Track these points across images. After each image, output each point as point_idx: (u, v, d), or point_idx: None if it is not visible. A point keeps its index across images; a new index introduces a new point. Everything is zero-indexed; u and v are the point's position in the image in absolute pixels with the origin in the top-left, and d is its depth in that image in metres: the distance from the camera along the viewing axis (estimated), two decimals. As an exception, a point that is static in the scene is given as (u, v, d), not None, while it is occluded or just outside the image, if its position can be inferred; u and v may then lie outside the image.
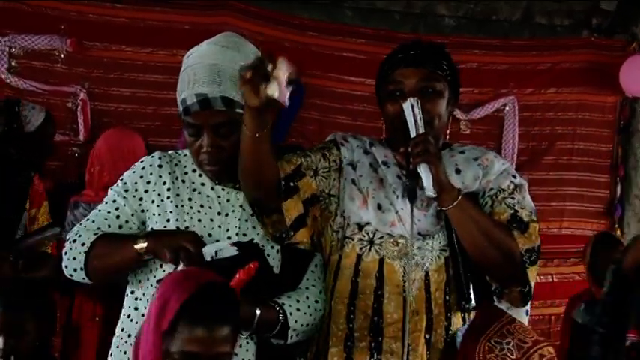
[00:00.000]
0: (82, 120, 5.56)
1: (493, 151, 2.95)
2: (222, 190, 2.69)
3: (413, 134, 2.64)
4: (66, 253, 2.59)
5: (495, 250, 2.67)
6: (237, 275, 2.45)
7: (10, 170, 3.42)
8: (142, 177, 2.66)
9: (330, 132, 5.92)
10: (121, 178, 2.69)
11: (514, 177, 2.83)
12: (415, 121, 2.64)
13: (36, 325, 3.16)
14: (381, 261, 2.70)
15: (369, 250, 2.72)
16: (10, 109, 4.61)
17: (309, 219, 2.71)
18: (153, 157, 2.71)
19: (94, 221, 2.63)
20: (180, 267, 2.45)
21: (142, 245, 2.50)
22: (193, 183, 2.68)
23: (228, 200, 2.67)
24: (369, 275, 2.71)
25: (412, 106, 2.65)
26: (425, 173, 2.60)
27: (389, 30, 6.24)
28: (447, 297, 2.72)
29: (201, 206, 2.63)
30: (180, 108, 2.62)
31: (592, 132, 6.58)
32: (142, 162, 2.70)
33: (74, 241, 2.57)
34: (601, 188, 6.62)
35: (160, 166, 2.68)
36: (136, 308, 2.60)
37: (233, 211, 2.67)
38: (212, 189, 2.69)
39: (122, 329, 2.61)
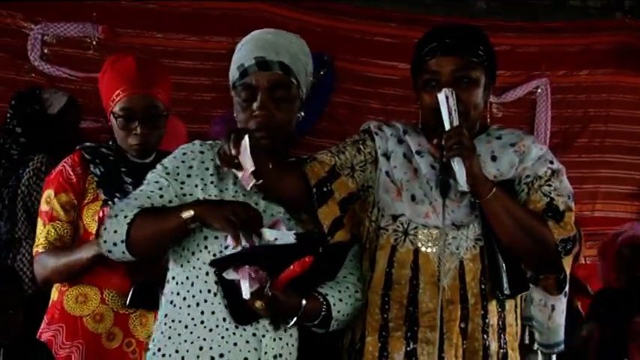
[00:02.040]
0: (113, 106, 5.59)
1: (531, 135, 2.91)
2: None
3: (447, 127, 2.61)
4: (105, 228, 2.54)
5: (529, 240, 2.66)
6: (292, 267, 2.44)
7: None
8: (183, 162, 2.63)
9: (362, 116, 6.06)
10: (160, 162, 2.67)
11: (551, 162, 2.80)
12: (450, 113, 2.61)
13: (21, 310, 3.19)
14: (416, 251, 2.70)
15: (404, 240, 2.71)
16: (31, 94, 4.66)
17: (346, 218, 2.72)
18: (194, 144, 2.68)
19: (136, 199, 2.59)
20: (230, 243, 2.45)
21: (189, 213, 2.45)
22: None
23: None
24: (403, 266, 2.70)
25: (447, 98, 2.62)
26: (458, 167, 2.59)
27: (420, 13, 6.22)
28: (483, 286, 2.71)
29: (244, 195, 2.61)
30: (236, 75, 2.63)
31: (625, 113, 6.54)
32: (182, 148, 2.68)
33: (115, 216, 2.52)
34: (634, 170, 6.58)
35: (201, 152, 2.66)
36: (178, 293, 2.58)
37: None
38: None
39: (165, 315, 2.60)
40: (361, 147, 2.78)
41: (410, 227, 2.71)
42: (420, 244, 2.70)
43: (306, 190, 2.67)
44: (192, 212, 2.46)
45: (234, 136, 2.45)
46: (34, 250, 3.23)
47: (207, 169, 2.63)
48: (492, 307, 2.72)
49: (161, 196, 2.59)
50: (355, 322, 2.74)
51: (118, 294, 3.15)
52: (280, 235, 2.47)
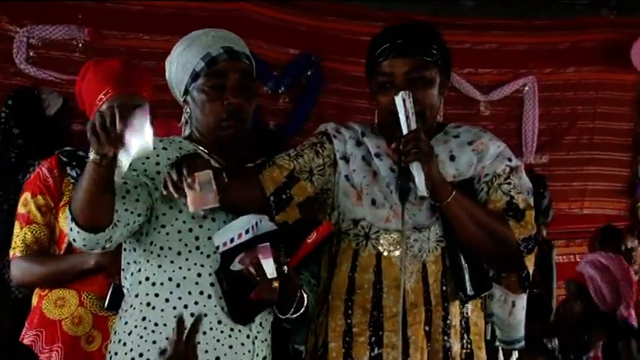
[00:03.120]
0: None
1: (488, 133, 2.85)
2: None
3: (405, 131, 2.57)
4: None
5: (491, 241, 2.65)
6: (305, 246, 2.49)
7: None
8: (148, 158, 2.58)
9: (350, 116, 6.04)
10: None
11: (509, 160, 2.77)
12: (407, 117, 2.57)
13: (8, 314, 3.17)
14: (378, 255, 2.67)
15: (365, 245, 2.68)
16: (29, 94, 4.62)
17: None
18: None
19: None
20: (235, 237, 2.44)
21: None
22: None
23: None
24: (366, 270, 2.68)
25: (404, 101, 2.58)
26: (417, 171, 2.55)
27: (408, 12, 6.21)
28: (444, 287, 2.69)
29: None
30: (201, 65, 2.58)
31: (612, 110, 6.56)
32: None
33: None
34: (622, 167, 6.60)
35: (164, 149, 2.63)
36: (157, 295, 2.52)
37: None
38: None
39: (143, 318, 2.51)
40: (319, 150, 2.74)
41: (371, 231, 2.68)
42: (381, 249, 2.67)
43: (265, 198, 2.64)
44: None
45: (187, 165, 2.37)
46: (11, 252, 3.23)
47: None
48: (455, 308, 2.70)
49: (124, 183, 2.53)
50: (317, 327, 2.72)
51: (97, 296, 3.14)
52: (261, 218, 2.47)
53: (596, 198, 6.55)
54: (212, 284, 2.51)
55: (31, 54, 5.66)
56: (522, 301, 2.85)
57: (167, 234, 2.53)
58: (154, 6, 5.86)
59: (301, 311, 2.58)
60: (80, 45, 5.67)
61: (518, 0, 6.51)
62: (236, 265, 2.42)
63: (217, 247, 2.47)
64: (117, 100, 3.16)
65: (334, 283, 2.71)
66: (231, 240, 2.45)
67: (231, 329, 2.51)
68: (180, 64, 2.62)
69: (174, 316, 2.45)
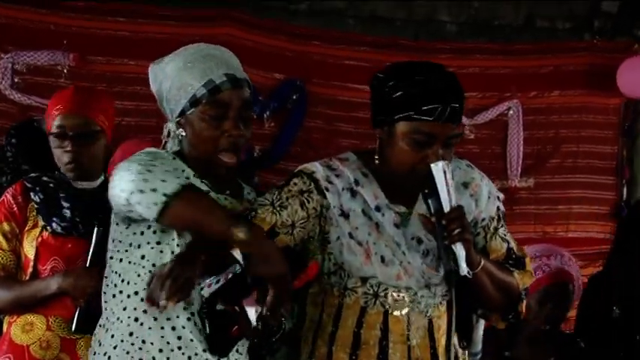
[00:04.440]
0: (85, 134, 5.54)
1: (475, 168, 2.82)
2: (225, 199, 2.63)
3: (447, 207, 2.53)
4: (151, 171, 2.43)
5: (503, 296, 2.71)
6: (303, 277, 2.51)
7: None
8: (155, 165, 2.51)
9: (336, 140, 6.07)
10: (143, 161, 2.53)
11: (497, 198, 2.79)
12: (448, 191, 2.52)
13: None
14: (386, 312, 2.67)
15: (374, 303, 2.67)
16: (30, 127, 4.60)
17: None
18: (158, 152, 2.61)
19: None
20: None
21: (241, 236, 2.38)
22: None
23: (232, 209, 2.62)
24: (373, 327, 2.67)
25: (444, 173, 2.53)
26: (460, 251, 2.53)
27: (391, 37, 6.24)
28: (450, 341, 2.72)
29: (216, 192, 2.59)
30: (203, 91, 2.54)
31: (597, 134, 6.57)
32: (148, 154, 2.58)
33: (167, 171, 2.45)
34: (607, 190, 6.60)
35: (173, 159, 2.62)
36: (145, 312, 2.49)
37: None
38: (220, 198, 2.63)
39: (130, 334, 2.50)
40: (305, 201, 2.65)
41: (380, 289, 2.66)
42: (389, 307, 2.66)
43: None
44: (245, 237, 2.40)
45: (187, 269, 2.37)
46: None
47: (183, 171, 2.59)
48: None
49: None
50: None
51: (64, 320, 3.16)
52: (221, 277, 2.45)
53: (582, 221, 6.55)
54: (198, 313, 2.51)
55: (16, 80, 5.65)
56: (482, 321, 2.90)
57: (161, 252, 2.51)
58: (139, 31, 5.86)
59: (277, 335, 2.59)
60: (65, 70, 5.67)
61: (501, 24, 6.55)
62: (220, 306, 2.43)
63: (201, 287, 2.46)
64: (65, 117, 3.25)
65: (339, 335, 2.69)
66: (217, 281, 2.44)
67: (217, 357, 2.51)
68: (177, 83, 2.58)
69: (162, 337, 2.46)
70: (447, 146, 2.59)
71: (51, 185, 3.27)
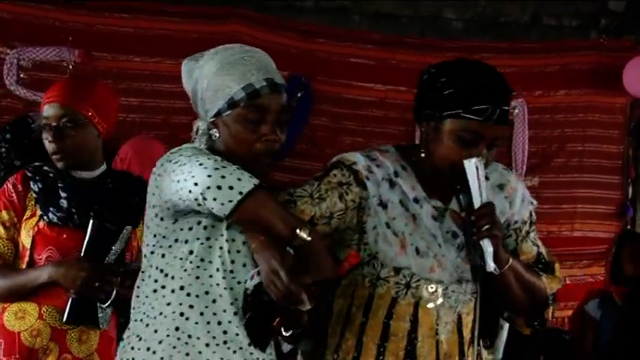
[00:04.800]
0: (90, 130, 5.54)
1: (511, 172, 2.84)
2: None
3: (477, 203, 2.55)
4: (225, 167, 2.41)
5: (529, 298, 2.69)
6: (345, 265, 2.50)
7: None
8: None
9: (340, 138, 6.06)
10: (194, 156, 2.51)
11: (531, 203, 2.80)
12: (480, 187, 2.54)
13: None
14: (416, 304, 2.66)
15: (405, 293, 2.66)
16: (24, 123, 4.61)
17: None
18: (198, 147, 2.59)
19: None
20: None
21: (304, 236, 2.36)
22: None
23: None
24: (402, 318, 2.66)
25: (477, 168, 2.54)
26: (487, 247, 2.54)
27: (396, 34, 6.24)
28: (477, 338, 2.72)
29: None
30: (241, 94, 2.52)
31: (602, 133, 6.56)
32: (192, 149, 2.57)
33: (239, 169, 2.43)
34: (612, 189, 6.60)
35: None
36: (192, 307, 2.48)
37: None
38: None
39: (177, 328, 2.48)
40: (344, 193, 2.65)
41: (413, 280, 2.65)
42: (421, 298, 2.66)
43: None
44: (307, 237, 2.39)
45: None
46: None
47: None
48: (470, 353, 2.73)
49: None
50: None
51: (56, 309, 3.16)
52: None
53: (586, 220, 6.55)
54: (243, 308, 2.51)
55: (22, 75, 5.67)
56: (507, 325, 2.89)
57: (210, 247, 2.50)
58: (144, 28, 5.88)
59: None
60: (71, 67, 5.68)
61: (507, 21, 6.54)
62: (266, 297, 2.43)
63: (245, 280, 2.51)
64: (49, 108, 3.26)
65: (369, 325, 2.69)
66: (259, 273, 2.46)
67: (260, 351, 2.53)
68: (213, 84, 2.55)
69: (208, 331, 2.47)
70: (491, 147, 2.61)
71: (51, 175, 3.29)
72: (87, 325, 3.20)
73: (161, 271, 2.54)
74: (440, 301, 2.65)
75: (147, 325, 2.53)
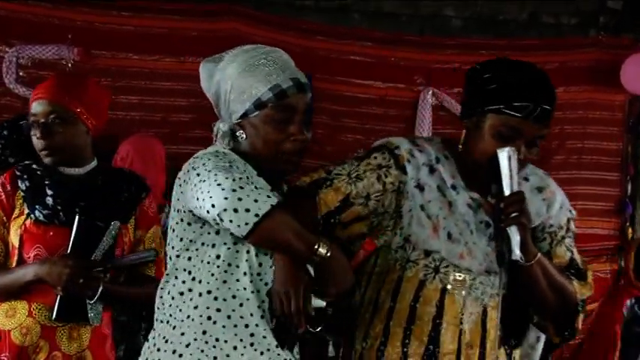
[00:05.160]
0: (89, 129, 5.52)
1: (550, 177, 2.89)
2: (277, 197, 2.62)
3: (507, 191, 2.58)
4: (243, 188, 2.42)
5: (558, 300, 2.70)
6: (361, 253, 2.56)
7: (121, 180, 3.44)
8: (238, 167, 2.56)
9: (340, 135, 6.07)
10: (219, 164, 2.51)
11: (570, 211, 2.83)
12: (511, 176, 2.57)
13: None
14: (444, 290, 2.68)
15: (434, 277, 2.68)
16: (19, 121, 4.61)
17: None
18: (223, 152, 2.60)
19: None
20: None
21: (323, 251, 2.41)
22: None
23: None
24: (429, 302, 2.69)
25: (509, 159, 2.58)
26: (514, 234, 2.57)
27: (396, 32, 6.24)
28: (499, 333, 2.73)
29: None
30: (269, 95, 2.54)
31: (601, 130, 6.56)
32: (216, 154, 2.58)
33: (257, 187, 2.45)
34: (611, 186, 6.60)
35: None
36: (219, 310, 2.51)
37: None
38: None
39: (204, 332, 2.50)
40: (382, 175, 2.70)
41: (442, 265, 2.68)
42: (448, 284, 2.68)
43: (317, 219, 2.66)
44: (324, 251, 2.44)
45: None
46: None
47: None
48: (502, 355, 2.76)
49: None
50: (372, 352, 2.75)
51: (46, 307, 3.18)
52: None
53: (586, 217, 6.54)
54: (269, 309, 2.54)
55: (21, 74, 5.67)
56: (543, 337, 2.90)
57: (237, 252, 2.51)
58: (144, 26, 5.87)
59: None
60: (70, 65, 5.68)
61: (506, 20, 6.54)
62: None
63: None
64: (36, 105, 3.27)
65: (396, 310, 2.71)
66: None
67: (284, 351, 2.56)
68: (238, 86, 2.58)
69: (235, 334, 2.49)
70: (531, 145, 2.64)
71: (38, 173, 3.29)
72: (77, 322, 3.21)
73: (189, 273, 2.56)
74: (464, 290, 2.67)
75: (174, 327, 2.55)
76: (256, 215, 2.36)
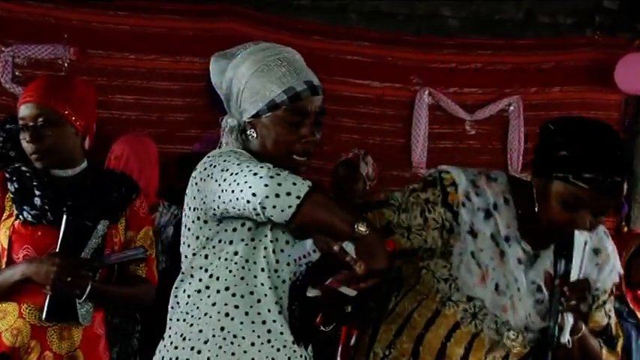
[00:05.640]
0: (85, 128, 5.50)
1: (610, 239, 2.81)
2: None
3: (575, 275, 2.58)
4: (279, 174, 2.38)
5: None
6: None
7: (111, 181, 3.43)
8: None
9: (338, 135, 6.07)
10: (237, 161, 2.50)
11: (618, 274, 2.80)
12: (582, 261, 2.57)
13: None
14: (475, 334, 2.69)
15: (470, 322, 2.69)
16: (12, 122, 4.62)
17: None
18: (238, 151, 2.59)
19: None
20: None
21: (363, 229, 2.37)
22: None
23: None
24: (459, 344, 2.69)
25: (585, 243, 2.57)
26: (569, 319, 2.57)
27: (393, 32, 6.24)
28: None
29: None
30: (283, 97, 2.53)
31: (597, 130, 6.56)
32: (234, 152, 2.57)
33: (290, 174, 2.42)
34: (607, 186, 6.59)
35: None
36: (237, 307, 2.52)
37: None
38: None
39: (222, 328, 2.52)
40: (426, 210, 2.69)
41: (481, 312, 2.68)
42: (482, 330, 2.68)
43: None
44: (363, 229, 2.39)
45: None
46: None
47: None
48: None
49: None
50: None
51: (35, 307, 3.15)
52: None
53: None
54: (289, 306, 2.55)
55: (17, 73, 5.67)
56: None
57: (254, 248, 2.53)
58: (140, 25, 5.87)
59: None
60: (66, 64, 5.68)
61: (502, 20, 6.55)
62: (311, 292, 2.45)
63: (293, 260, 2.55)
64: (25, 108, 3.22)
65: (428, 339, 2.72)
66: (304, 256, 2.53)
67: (300, 347, 2.58)
68: (251, 86, 2.57)
69: (252, 330, 2.51)
70: (598, 215, 2.57)
71: (27, 175, 3.27)
72: (67, 322, 3.19)
73: (205, 271, 2.57)
74: (496, 337, 2.69)
75: (191, 324, 2.56)
76: (298, 197, 2.34)
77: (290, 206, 2.34)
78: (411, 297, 2.77)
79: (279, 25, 6.00)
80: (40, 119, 3.21)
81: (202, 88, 5.75)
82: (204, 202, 2.51)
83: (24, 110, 3.24)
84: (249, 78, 2.57)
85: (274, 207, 2.35)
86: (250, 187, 2.37)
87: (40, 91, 3.26)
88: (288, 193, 2.34)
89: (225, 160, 2.47)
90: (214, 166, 2.48)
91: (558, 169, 2.54)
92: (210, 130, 5.42)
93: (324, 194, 2.46)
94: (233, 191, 2.41)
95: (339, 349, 4.27)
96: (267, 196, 2.35)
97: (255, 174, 2.38)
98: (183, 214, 2.62)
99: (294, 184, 2.36)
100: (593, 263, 2.73)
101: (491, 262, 2.66)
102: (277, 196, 2.34)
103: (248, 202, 2.37)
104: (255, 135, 2.59)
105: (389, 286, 2.78)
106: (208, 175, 2.49)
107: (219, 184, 2.44)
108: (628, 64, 6.19)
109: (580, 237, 2.56)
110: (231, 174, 2.43)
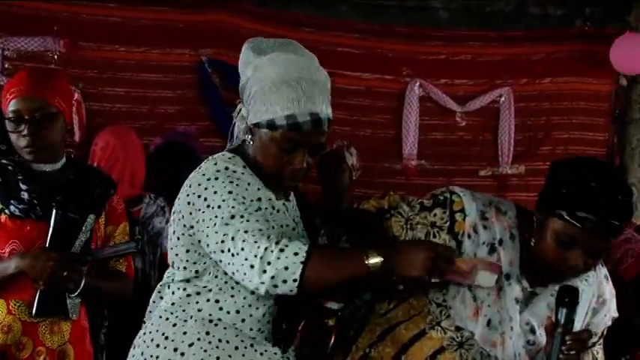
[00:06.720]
0: (76, 121, 5.49)
1: (610, 282, 2.82)
2: (283, 204, 2.66)
3: (578, 326, 2.60)
4: (270, 263, 2.36)
5: None
6: None
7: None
8: (247, 189, 2.53)
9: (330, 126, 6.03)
10: (228, 191, 2.49)
11: (612, 318, 2.82)
12: (586, 312, 2.63)
13: None
14: None
15: (455, 350, 2.69)
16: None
17: None
18: (231, 168, 2.57)
19: (273, 227, 2.53)
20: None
21: (376, 260, 2.37)
22: (270, 200, 2.61)
23: (289, 213, 2.69)
24: None
25: (593, 295, 2.62)
26: None
27: (384, 24, 6.24)
28: None
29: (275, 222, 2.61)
30: (282, 121, 2.50)
31: (588, 121, 6.59)
32: (225, 173, 2.55)
33: (281, 250, 2.36)
34: (597, 177, 6.60)
35: (242, 173, 2.59)
36: (221, 318, 2.57)
37: (296, 223, 2.70)
38: (279, 203, 2.66)
39: (207, 333, 2.54)
40: (431, 233, 2.70)
41: (467, 342, 2.69)
42: (466, 358, 2.70)
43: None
44: (379, 260, 2.37)
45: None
46: None
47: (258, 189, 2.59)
48: None
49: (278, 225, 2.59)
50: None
51: (24, 303, 3.16)
52: None
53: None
54: (268, 322, 2.60)
55: (6, 65, 5.64)
56: None
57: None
58: (130, 17, 5.85)
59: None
60: (56, 57, 5.66)
61: (493, 11, 6.55)
62: (333, 305, 2.56)
63: None
64: (20, 101, 3.20)
65: (412, 351, 2.73)
66: None
67: (283, 352, 2.62)
68: (261, 97, 2.54)
69: (236, 335, 2.55)
70: (592, 256, 2.57)
71: (10, 168, 3.26)
72: (57, 316, 3.19)
73: (196, 276, 2.59)
74: None
75: (174, 324, 2.58)
76: (294, 276, 2.34)
77: (295, 280, 2.34)
78: (404, 308, 2.78)
79: (269, 16, 5.99)
80: (37, 113, 3.20)
81: (193, 80, 5.79)
82: (192, 227, 2.52)
83: (18, 103, 3.22)
84: (261, 88, 2.53)
85: (275, 287, 2.36)
86: (245, 274, 2.39)
87: (35, 84, 3.25)
88: (286, 268, 2.34)
89: (215, 192, 2.47)
90: (205, 199, 2.48)
91: (557, 206, 2.55)
92: (190, 124, 5.48)
93: (321, 251, 2.44)
94: (232, 258, 2.42)
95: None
96: (262, 282, 2.36)
97: (246, 258, 2.37)
98: (172, 218, 2.62)
99: (287, 257, 2.34)
100: (591, 309, 2.76)
101: (487, 299, 2.66)
102: (273, 278, 2.35)
103: (250, 281, 2.39)
104: (251, 142, 2.58)
105: (375, 295, 2.79)
106: (198, 198, 2.49)
107: (208, 227, 2.46)
108: (623, 45, 6.18)
109: (589, 289, 2.61)
110: (222, 227, 2.42)
